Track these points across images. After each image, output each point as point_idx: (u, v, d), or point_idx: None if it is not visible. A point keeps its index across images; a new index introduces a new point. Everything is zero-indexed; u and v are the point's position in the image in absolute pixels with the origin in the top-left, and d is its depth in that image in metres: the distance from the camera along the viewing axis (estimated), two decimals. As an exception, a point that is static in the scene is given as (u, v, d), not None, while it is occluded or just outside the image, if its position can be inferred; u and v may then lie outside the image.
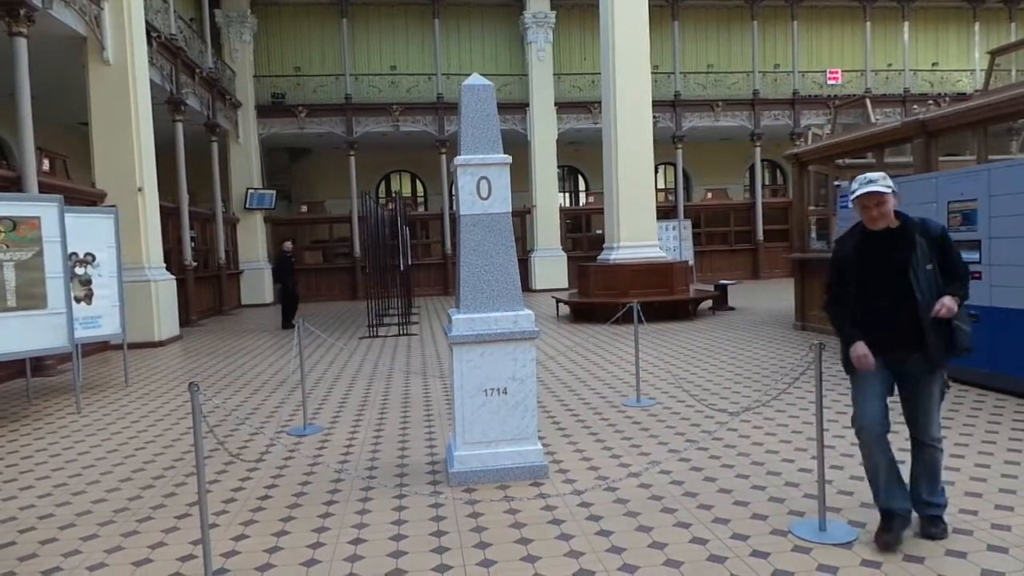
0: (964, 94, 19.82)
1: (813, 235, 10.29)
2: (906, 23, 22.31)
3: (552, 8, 19.98)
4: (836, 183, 9.29)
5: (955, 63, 23.30)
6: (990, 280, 5.71)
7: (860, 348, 2.99)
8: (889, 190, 2.93)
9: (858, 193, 2.97)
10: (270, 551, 3.23)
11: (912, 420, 3.11)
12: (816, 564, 2.88)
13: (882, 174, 2.99)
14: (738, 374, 6.95)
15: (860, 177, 3.00)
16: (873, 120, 10.08)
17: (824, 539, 3.10)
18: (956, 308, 2.88)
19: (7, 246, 5.99)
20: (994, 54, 9.24)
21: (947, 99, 17.52)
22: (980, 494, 3.55)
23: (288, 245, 13.64)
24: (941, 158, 7.70)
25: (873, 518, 3.30)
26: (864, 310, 3.03)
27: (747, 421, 5.09)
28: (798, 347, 8.36)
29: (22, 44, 8.47)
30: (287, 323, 12.50)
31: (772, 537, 3.17)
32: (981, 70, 22.80)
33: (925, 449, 3.11)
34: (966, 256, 5.90)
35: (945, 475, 3.81)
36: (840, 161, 9.76)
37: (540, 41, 19.91)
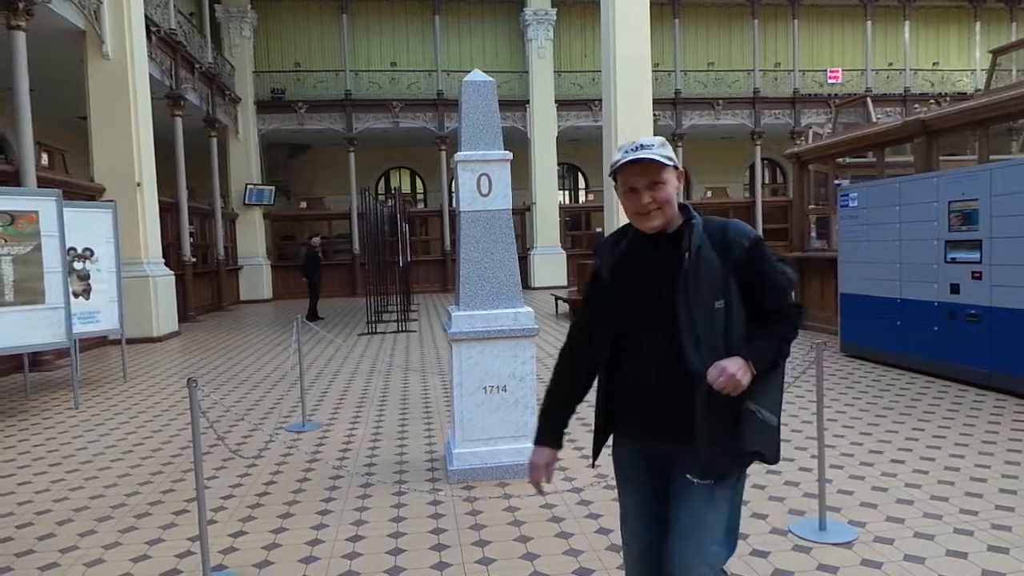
0: (964, 94, 19.82)
1: (813, 234, 10.28)
2: (907, 22, 22.29)
3: (553, 5, 19.94)
4: (837, 182, 9.28)
5: (956, 63, 23.29)
6: (991, 280, 5.69)
7: (537, 456, 1.92)
8: (671, 163, 1.74)
9: (621, 163, 1.75)
10: (268, 548, 3.22)
11: (671, 549, 1.75)
12: (816, 563, 2.87)
13: (661, 139, 1.78)
14: (737, 373, 6.92)
15: (627, 143, 1.81)
16: (874, 119, 10.07)
17: (824, 538, 3.10)
18: (744, 381, 1.65)
19: (5, 240, 5.96)
20: (996, 53, 9.23)
21: (948, 99, 17.51)
22: (980, 494, 3.54)
23: (316, 240, 14.21)
24: (941, 158, 7.69)
25: (875, 517, 3.30)
26: (618, 367, 1.83)
27: (747, 420, 5.06)
28: (798, 345, 8.29)
29: (21, 38, 8.44)
30: (313, 316, 12.94)
31: (772, 536, 3.16)
32: (982, 70, 22.78)
33: None
34: (965, 256, 5.96)
35: (945, 475, 3.82)
36: (841, 160, 9.74)
37: (540, 38, 19.87)
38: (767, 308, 1.74)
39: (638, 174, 1.73)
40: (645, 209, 1.74)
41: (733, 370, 1.63)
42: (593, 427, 1.94)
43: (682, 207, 1.81)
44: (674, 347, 1.70)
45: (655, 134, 13.48)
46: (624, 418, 1.84)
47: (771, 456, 1.75)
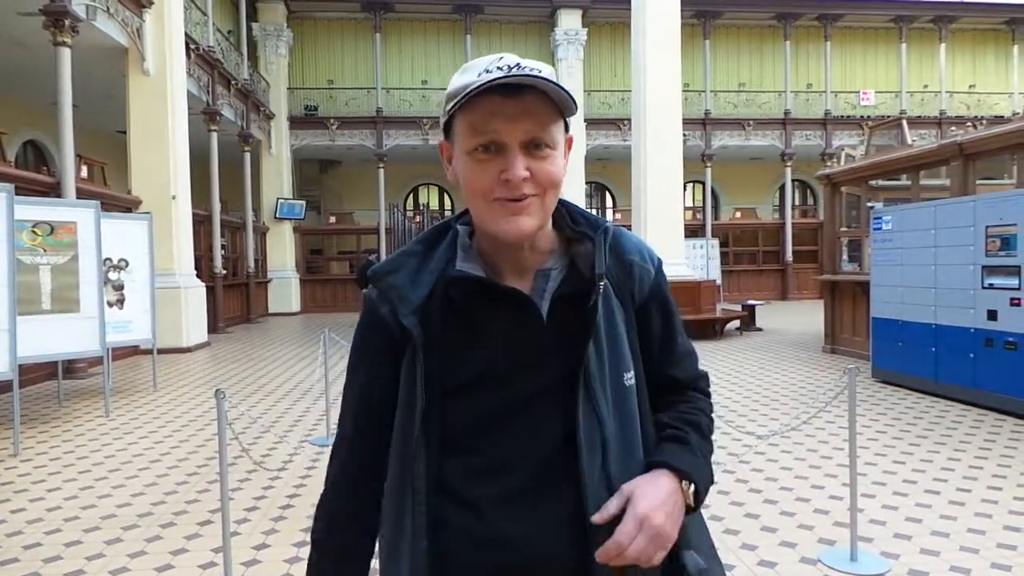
0: (1002, 117, 19.45)
1: (844, 257, 10.13)
2: (943, 44, 22.01)
3: (583, 26, 20.07)
4: (869, 205, 9.15)
5: (993, 85, 22.90)
6: (1030, 307, 5.55)
7: None
8: (573, 108, 0.92)
9: (480, 85, 0.86)
10: (290, 561, 3.22)
11: None
12: (847, 596, 2.79)
13: (549, 68, 0.90)
14: (766, 397, 6.82)
15: (484, 59, 0.90)
16: (909, 141, 9.93)
17: (855, 569, 3.01)
18: (674, 534, 0.88)
19: (44, 250, 6.11)
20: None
21: (984, 122, 17.22)
22: (1019, 528, 3.42)
23: (373, 257, 15.20)
24: (978, 182, 7.55)
25: (909, 549, 3.21)
26: (443, 522, 0.92)
27: (775, 445, 4.98)
28: (828, 370, 8.20)
29: (66, 54, 8.70)
30: None
31: (801, 566, 3.08)
32: (1020, 93, 22.39)
33: None
34: (1004, 282, 5.82)
35: (982, 508, 3.71)
36: (873, 182, 9.61)
37: (570, 58, 19.97)
38: (676, 378, 1.06)
39: (511, 116, 0.88)
40: (516, 190, 0.90)
41: (659, 520, 0.86)
42: None
43: (558, 205, 1.00)
44: (559, 476, 0.91)
45: (685, 155, 13.37)
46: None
47: None
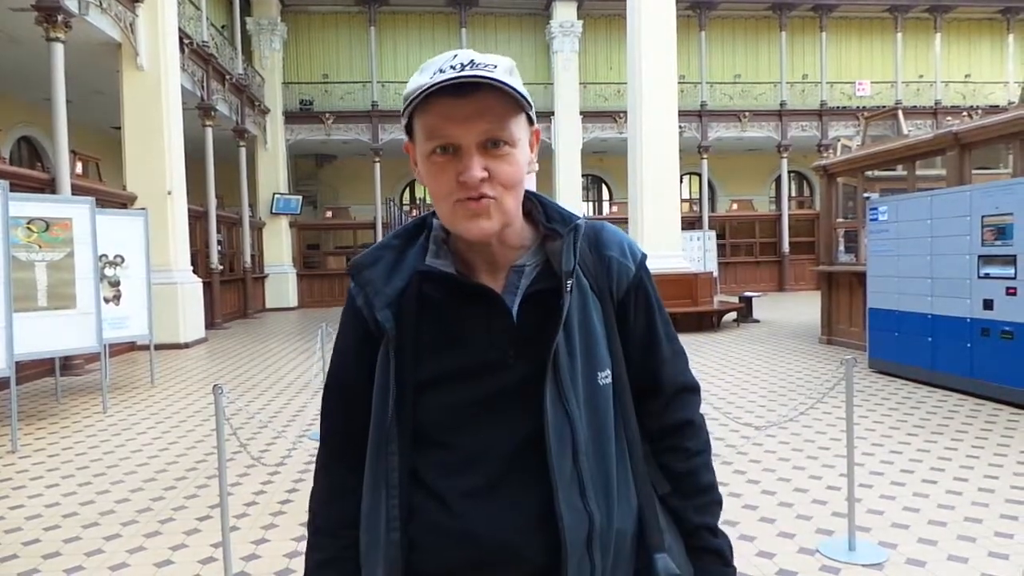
0: (997, 106, 19.46)
1: (841, 248, 10.14)
2: (938, 34, 22.00)
3: (579, 18, 20.01)
4: (865, 195, 9.16)
5: (988, 75, 22.91)
6: (1026, 296, 5.56)
7: None
8: (527, 105, 0.90)
9: (430, 86, 0.84)
10: (289, 556, 3.23)
11: None
12: (845, 585, 2.81)
13: (507, 62, 0.89)
14: (763, 388, 6.84)
15: (439, 58, 0.88)
16: (905, 132, 9.93)
17: (854, 559, 3.03)
18: None
19: (40, 246, 6.09)
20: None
21: (980, 111, 17.22)
22: (1016, 516, 3.44)
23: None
24: (974, 171, 7.55)
25: (906, 538, 3.22)
26: (411, 512, 0.92)
27: (773, 436, 5.00)
28: (825, 361, 8.22)
29: (59, 49, 8.64)
30: None
31: (799, 556, 3.10)
32: (1015, 82, 22.39)
33: None
34: (1000, 272, 5.83)
35: (979, 496, 3.73)
36: (870, 173, 9.61)
37: (566, 50, 19.93)
38: (661, 383, 1.04)
39: (464, 117, 0.87)
40: (474, 191, 0.88)
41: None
42: None
43: (532, 200, 1.01)
44: (529, 473, 0.90)
45: (681, 147, 13.40)
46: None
47: None
